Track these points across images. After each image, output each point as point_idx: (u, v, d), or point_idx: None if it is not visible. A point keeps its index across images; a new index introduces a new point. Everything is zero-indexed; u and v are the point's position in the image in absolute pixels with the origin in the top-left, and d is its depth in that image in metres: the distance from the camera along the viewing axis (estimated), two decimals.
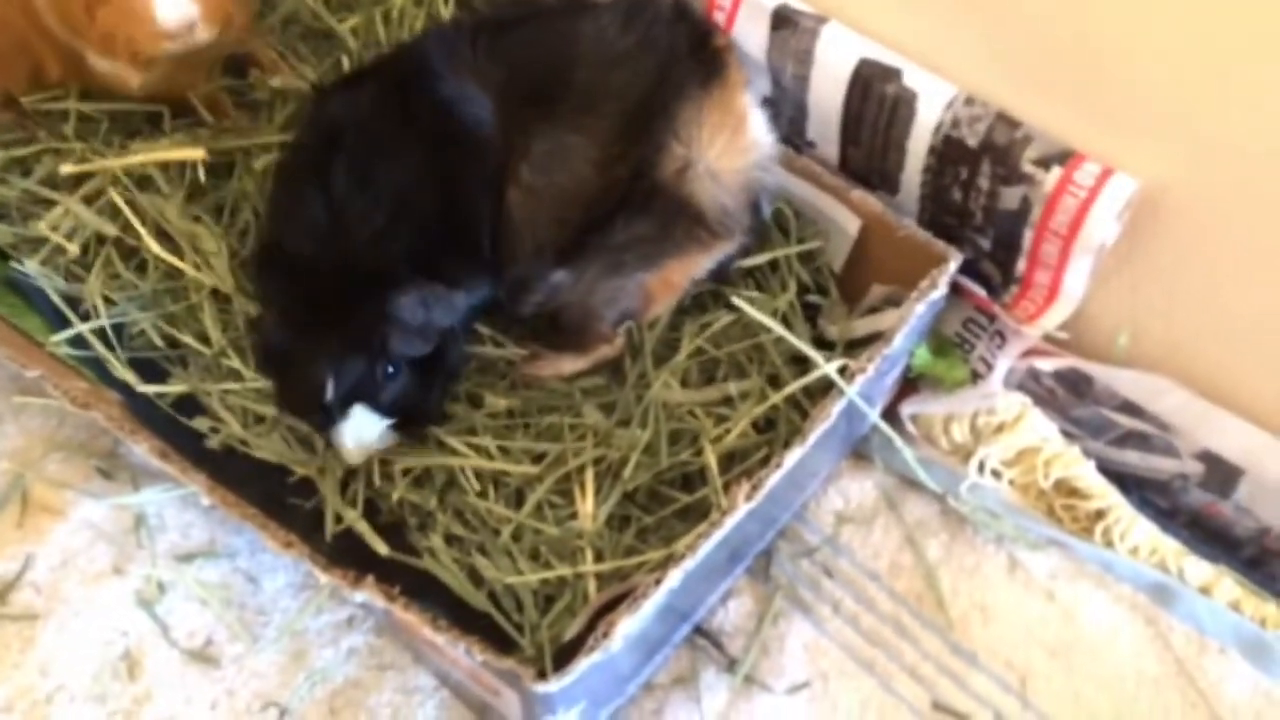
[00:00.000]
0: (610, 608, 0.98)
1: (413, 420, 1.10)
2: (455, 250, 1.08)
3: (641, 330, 1.21)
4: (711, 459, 1.11)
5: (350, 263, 1.04)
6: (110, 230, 1.29)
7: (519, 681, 0.91)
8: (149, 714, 1.08)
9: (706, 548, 0.99)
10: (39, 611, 1.13)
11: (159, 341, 1.25)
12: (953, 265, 1.15)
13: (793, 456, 1.04)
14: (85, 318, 1.25)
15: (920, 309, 1.13)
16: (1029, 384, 1.25)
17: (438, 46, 1.11)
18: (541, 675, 0.92)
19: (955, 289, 1.19)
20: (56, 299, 1.26)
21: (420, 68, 1.10)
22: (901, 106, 1.14)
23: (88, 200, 1.32)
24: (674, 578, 0.96)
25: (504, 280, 1.14)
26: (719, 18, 1.24)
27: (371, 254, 1.04)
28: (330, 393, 1.03)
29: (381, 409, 1.06)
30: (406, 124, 1.07)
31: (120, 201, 1.28)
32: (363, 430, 1.06)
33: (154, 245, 1.26)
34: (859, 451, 1.30)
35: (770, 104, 1.28)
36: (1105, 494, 1.20)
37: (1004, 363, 1.21)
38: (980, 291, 1.19)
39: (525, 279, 1.12)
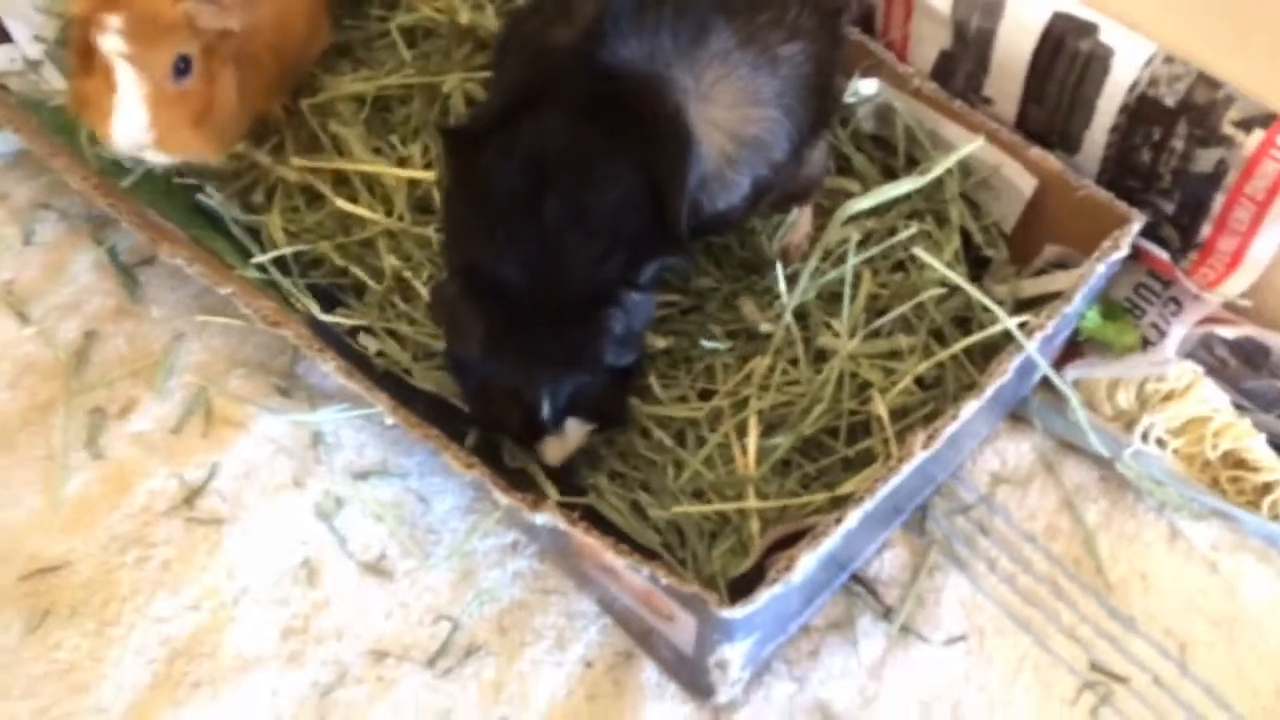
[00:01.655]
0: (775, 550, 1.00)
1: (610, 420, 1.13)
2: (660, 252, 1.07)
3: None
4: (883, 409, 1.12)
5: (566, 289, 1.03)
6: (291, 175, 1.33)
7: (703, 607, 0.93)
8: (327, 619, 1.13)
9: (884, 491, 0.99)
10: (224, 517, 1.18)
11: (339, 262, 1.29)
12: (1136, 226, 1.13)
13: (969, 409, 1.05)
14: (266, 244, 1.30)
15: (1101, 269, 1.12)
16: (1199, 353, 1.23)
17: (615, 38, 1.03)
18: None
19: (1132, 252, 1.17)
20: (237, 231, 1.31)
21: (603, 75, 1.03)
22: (1095, 63, 1.12)
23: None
24: (853, 518, 0.98)
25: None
26: None
27: (589, 279, 1.03)
28: (547, 412, 1.04)
29: (588, 417, 1.08)
30: (612, 143, 1.03)
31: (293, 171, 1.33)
32: (568, 438, 1.08)
33: (333, 196, 1.31)
34: (1016, 414, 1.29)
35: (947, 58, 1.28)
36: (1276, 467, 1.18)
37: (1179, 329, 1.19)
38: (1160, 254, 1.17)
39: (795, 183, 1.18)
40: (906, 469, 1.02)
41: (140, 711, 1.07)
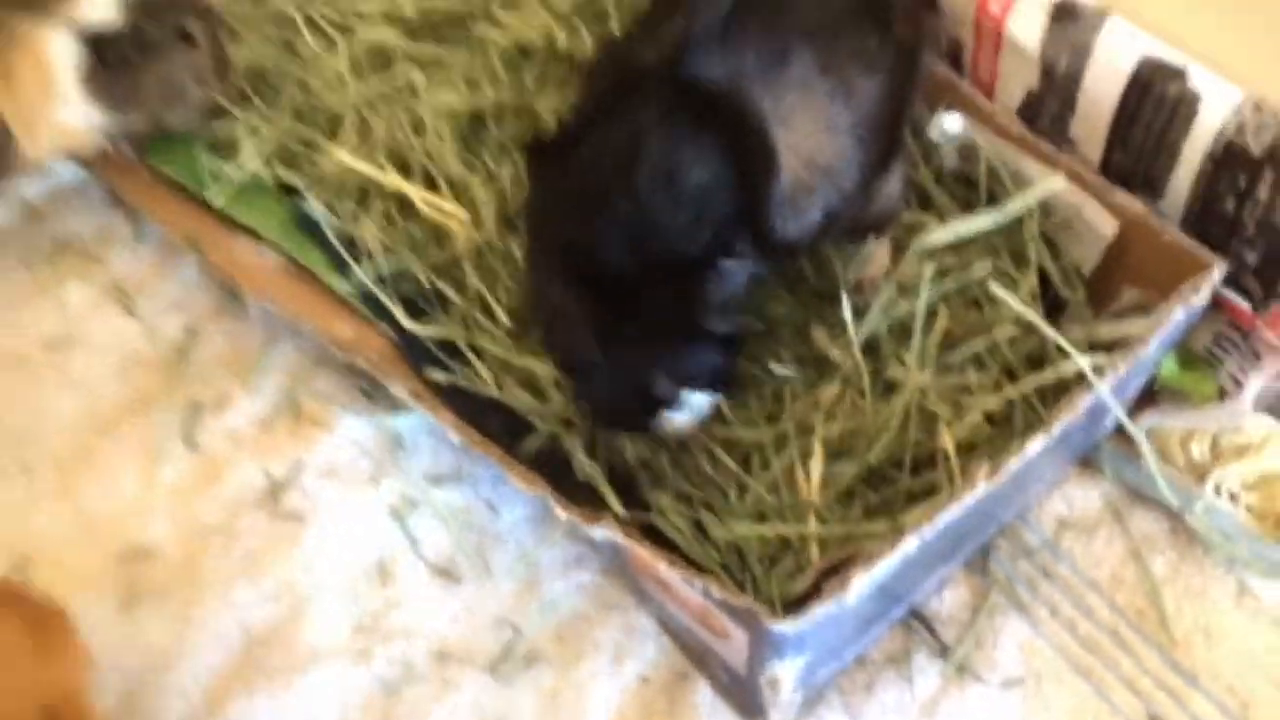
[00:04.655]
0: (832, 573, 1.01)
1: (724, 385, 1.15)
2: (745, 224, 1.10)
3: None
4: (949, 441, 1.13)
5: (664, 264, 1.05)
6: (388, 181, 1.38)
7: (754, 620, 0.95)
8: (397, 618, 1.17)
9: (943, 520, 1.00)
10: (305, 513, 1.24)
11: (424, 279, 1.34)
12: (1217, 273, 1.12)
13: (1035, 445, 1.04)
14: (361, 253, 1.36)
15: (1179, 314, 1.11)
16: (1278, 408, 1.21)
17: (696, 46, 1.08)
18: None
19: (1213, 301, 1.16)
20: (333, 239, 1.37)
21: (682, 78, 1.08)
22: (1182, 108, 1.11)
23: (366, 146, 1.43)
24: (910, 544, 0.98)
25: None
26: (994, 8, 1.24)
27: (684, 252, 1.06)
28: (664, 387, 1.07)
29: (702, 385, 1.10)
30: (701, 136, 1.07)
31: (379, 176, 1.38)
32: (690, 408, 1.11)
33: (424, 206, 1.36)
34: (1087, 461, 1.28)
35: (1034, 98, 1.28)
36: None
37: (1257, 382, 1.17)
38: (1242, 304, 1.16)
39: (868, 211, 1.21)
40: (968, 500, 1.02)
41: (216, 694, 1.13)
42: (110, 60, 1.27)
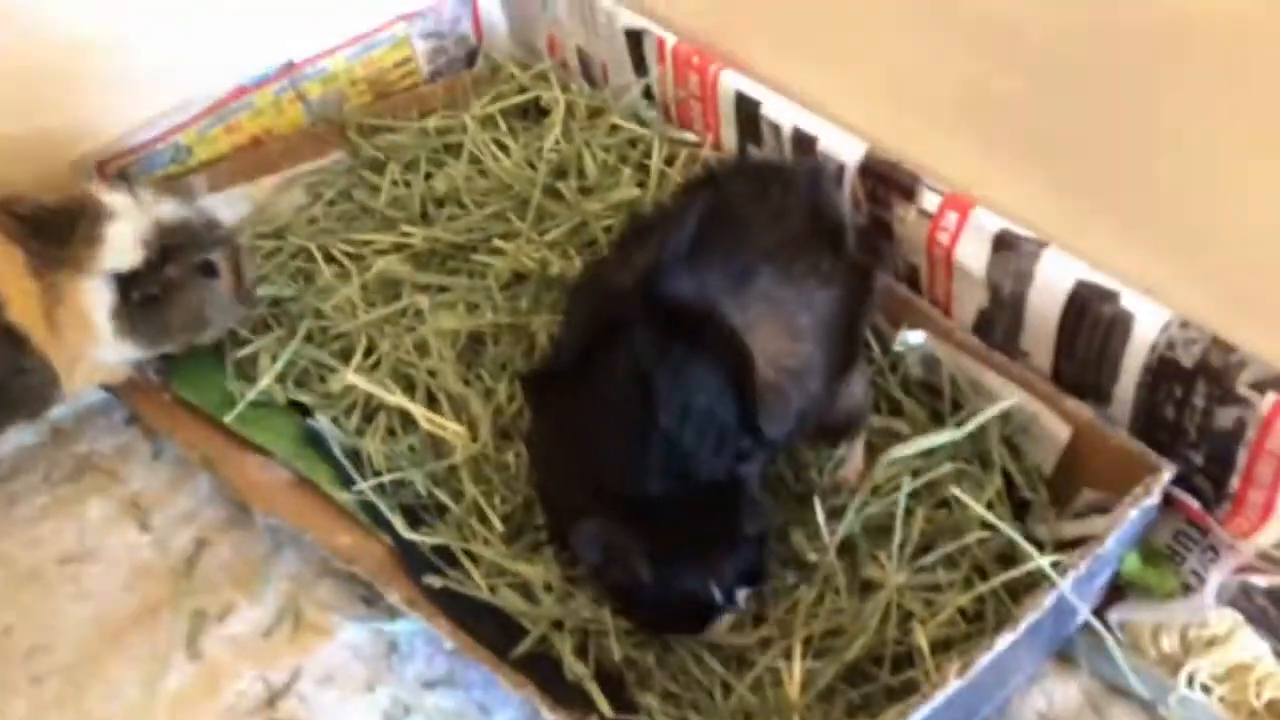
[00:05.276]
0: None
1: (762, 579, 1.24)
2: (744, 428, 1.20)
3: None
4: (923, 639, 1.17)
5: (695, 485, 1.16)
6: (391, 400, 1.49)
7: None
8: None
9: (919, 716, 1.04)
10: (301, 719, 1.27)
11: (423, 489, 1.42)
12: (1166, 475, 1.20)
13: (1004, 640, 1.09)
14: (365, 466, 1.45)
15: (1133, 514, 1.18)
16: (1240, 601, 1.26)
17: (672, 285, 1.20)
18: None
19: (1168, 501, 1.23)
20: (339, 453, 1.46)
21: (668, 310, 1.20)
22: (1118, 326, 1.22)
23: (373, 365, 1.55)
24: None
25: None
26: (943, 238, 1.37)
27: (710, 469, 1.16)
28: (720, 597, 1.17)
29: (747, 583, 1.20)
30: (690, 354, 1.18)
31: (388, 393, 1.49)
32: (737, 607, 1.20)
33: (425, 422, 1.46)
34: (1064, 655, 1.32)
35: (986, 315, 1.39)
36: None
37: (1216, 577, 1.23)
38: (1193, 503, 1.23)
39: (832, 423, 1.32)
40: (940, 698, 1.06)
41: None
42: (137, 300, 1.40)
